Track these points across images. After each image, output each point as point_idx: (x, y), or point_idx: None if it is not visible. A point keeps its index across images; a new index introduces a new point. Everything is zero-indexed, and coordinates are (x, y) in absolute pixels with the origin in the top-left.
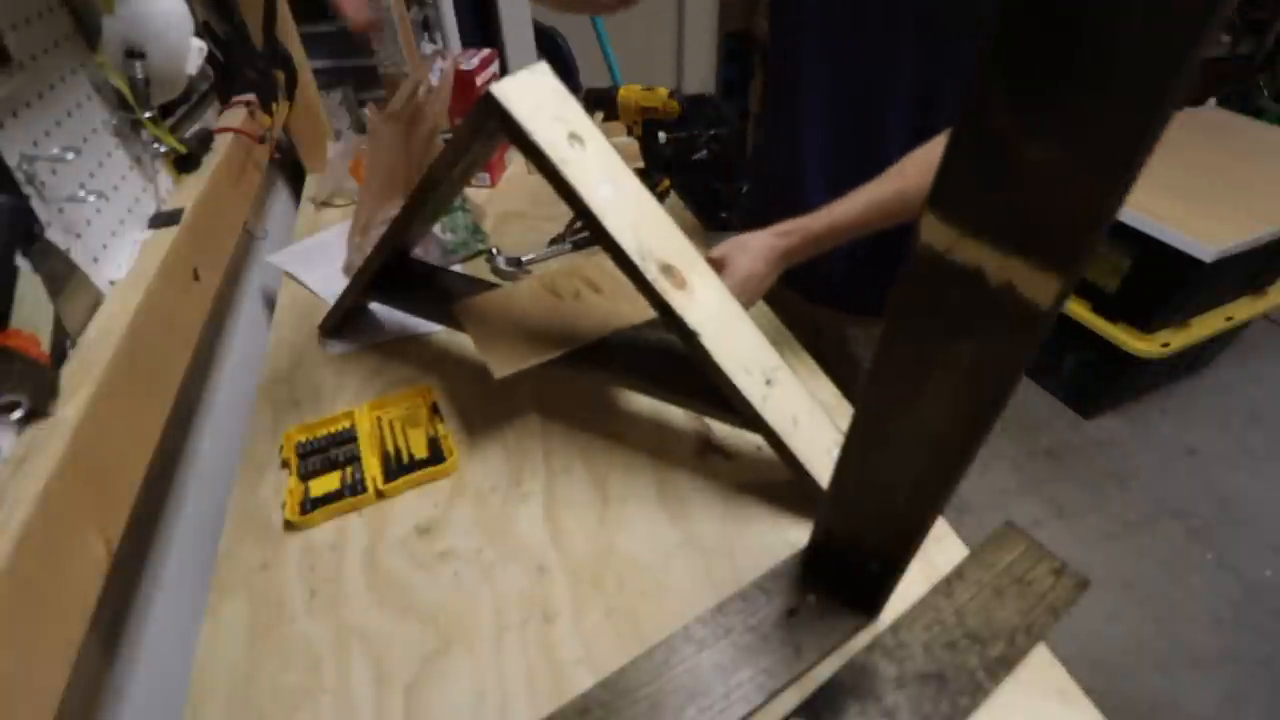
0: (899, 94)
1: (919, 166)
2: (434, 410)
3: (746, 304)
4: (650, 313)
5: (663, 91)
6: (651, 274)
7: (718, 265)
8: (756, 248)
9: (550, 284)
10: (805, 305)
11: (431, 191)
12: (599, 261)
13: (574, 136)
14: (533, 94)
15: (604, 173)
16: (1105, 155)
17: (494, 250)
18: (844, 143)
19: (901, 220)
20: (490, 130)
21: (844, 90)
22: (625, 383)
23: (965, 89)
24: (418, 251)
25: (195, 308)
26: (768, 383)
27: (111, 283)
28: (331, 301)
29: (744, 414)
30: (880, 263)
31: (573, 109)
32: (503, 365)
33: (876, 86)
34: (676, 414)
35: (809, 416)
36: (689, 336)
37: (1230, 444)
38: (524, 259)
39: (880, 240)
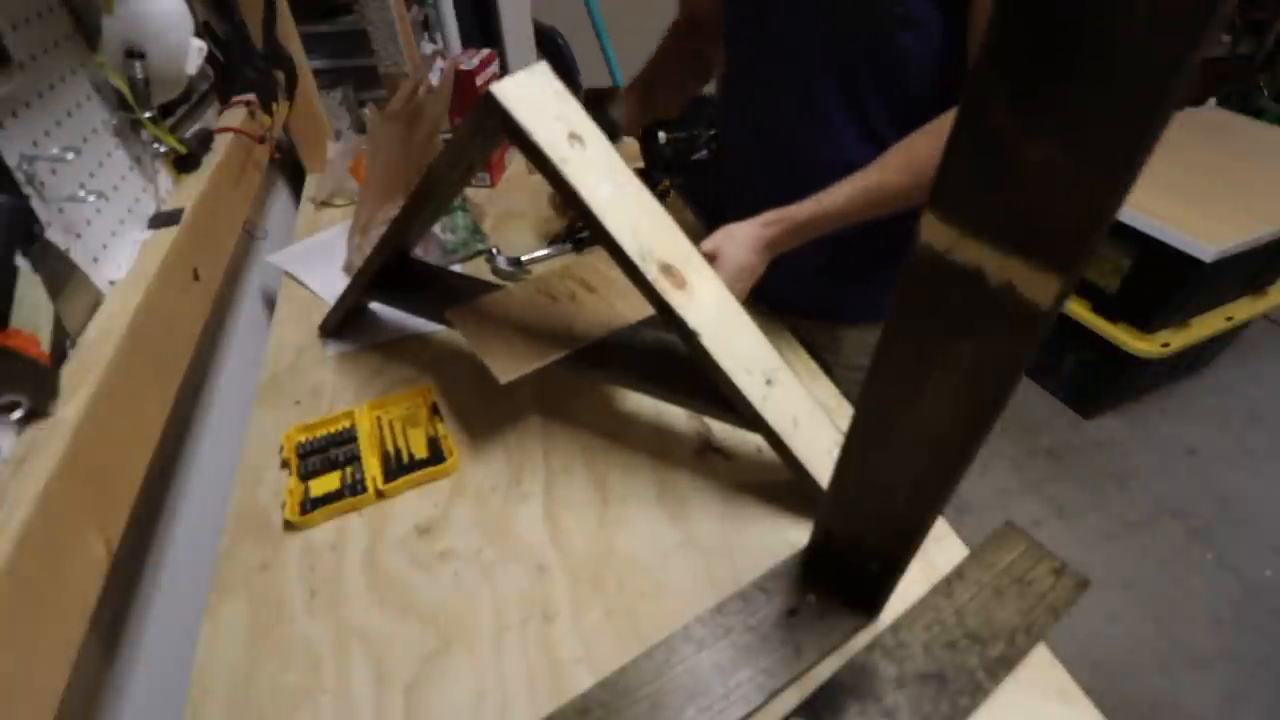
0: (815, 88)
1: (900, 160)
2: (434, 410)
3: (740, 295)
4: (647, 310)
5: None
6: (652, 274)
7: (709, 258)
8: (744, 238)
9: (545, 287)
10: (772, 315)
11: (432, 191)
12: (591, 262)
13: (574, 136)
14: (533, 94)
15: (604, 172)
16: (1105, 155)
17: (494, 250)
18: (767, 138)
19: (882, 212)
20: (490, 130)
21: (762, 86)
22: (625, 382)
23: (889, 79)
24: (418, 251)
25: (195, 308)
26: (768, 383)
27: (111, 283)
28: (331, 301)
29: (744, 414)
30: (835, 273)
31: (573, 109)
32: (506, 370)
33: (796, 81)
34: (676, 414)
35: (809, 417)
36: (689, 337)
37: (1230, 444)
38: (524, 259)
39: (835, 252)
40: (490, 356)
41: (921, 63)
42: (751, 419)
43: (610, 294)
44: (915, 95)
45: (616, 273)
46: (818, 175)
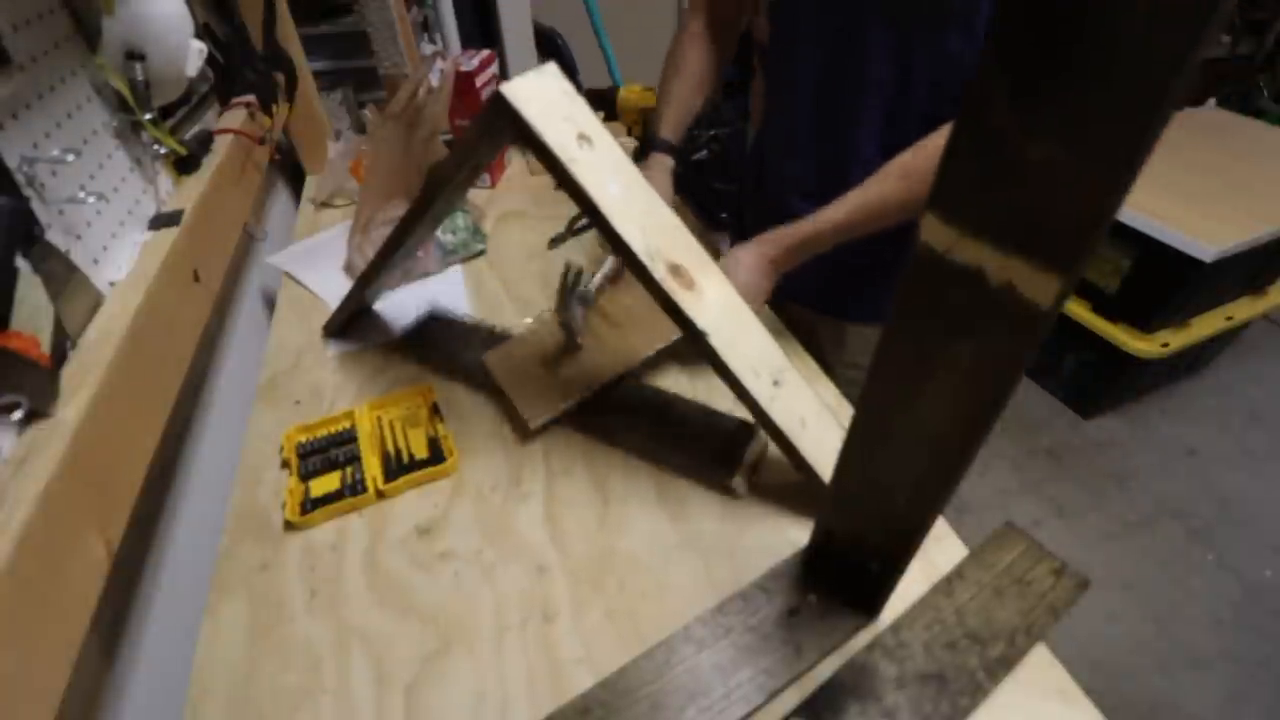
0: (870, 79)
1: (899, 171)
2: (434, 410)
3: None
4: (660, 341)
5: None
6: (660, 274)
7: None
8: (750, 260)
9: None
10: (776, 301)
11: (438, 193)
12: (614, 293)
13: (583, 137)
14: (542, 95)
15: (612, 173)
16: (1105, 155)
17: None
18: (817, 130)
19: (885, 224)
20: (499, 130)
21: (817, 77)
22: (628, 442)
23: (937, 79)
24: (418, 253)
25: (195, 308)
26: (775, 384)
27: (112, 284)
28: (331, 302)
29: (751, 414)
30: (847, 271)
31: (581, 109)
32: (536, 415)
33: (849, 73)
34: None
35: (817, 418)
36: (699, 337)
37: (1230, 444)
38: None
39: (848, 251)
40: (521, 402)
41: (967, 70)
42: (759, 419)
43: (629, 327)
44: (952, 107)
45: (633, 300)
46: (843, 173)
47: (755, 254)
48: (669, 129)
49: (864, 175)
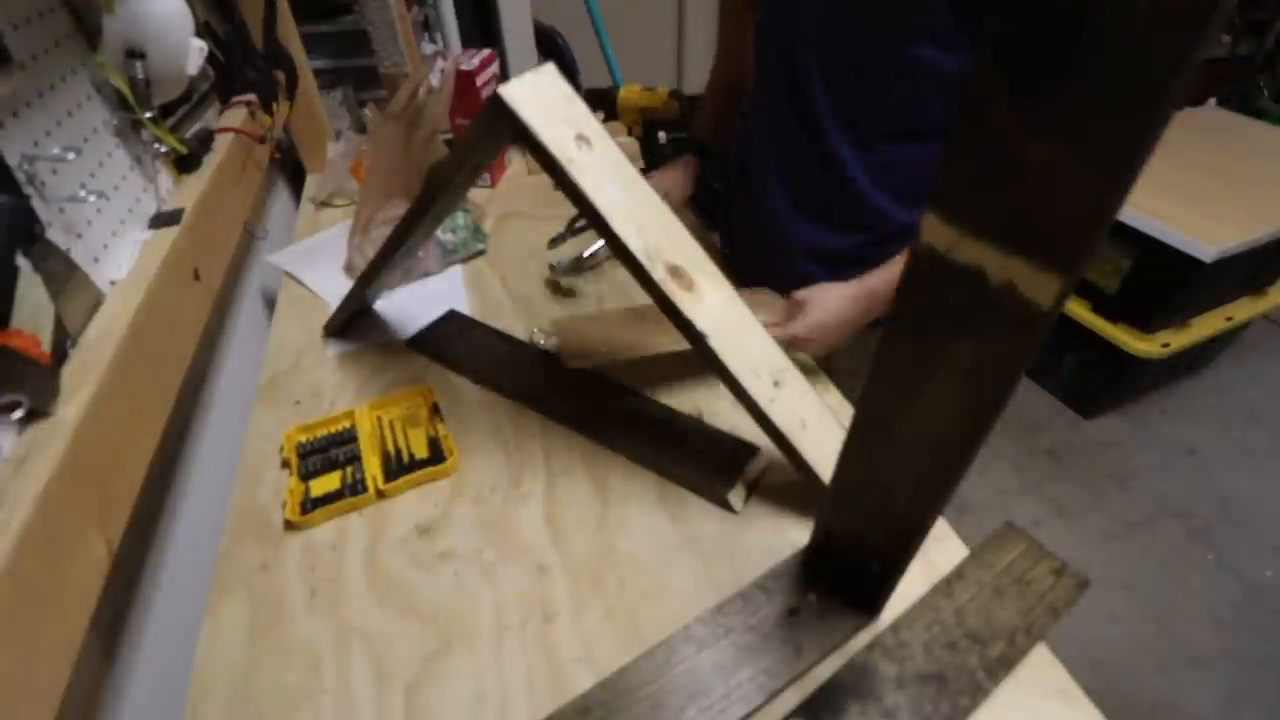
0: (835, 89)
1: None
2: (434, 410)
3: (818, 348)
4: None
5: (663, 91)
6: (659, 275)
7: (797, 305)
8: (838, 294)
9: (639, 312)
10: None
11: (438, 193)
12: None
13: (581, 138)
14: (541, 96)
15: (611, 174)
16: (1105, 155)
17: (553, 265)
18: (793, 134)
19: None
20: (498, 131)
21: (789, 80)
22: (627, 452)
23: (907, 86)
24: (418, 253)
25: (195, 308)
26: (775, 384)
27: (112, 283)
28: (331, 301)
29: (752, 415)
30: (845, 276)
31: (580, 111)
32: (575, 361)
33: (814, 81)
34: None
35: (817, 419)
36: (698, 339)
37: (1230, 444)
38: (585, 254)
39: (846, 255)
40: (567, 351)
41: (939, 77)
42: (758, 420)
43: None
44: (922, 110)
45: None
46: (819, 177)
47: (847, 291)
48: (701, 127)
49: (840, 182)
